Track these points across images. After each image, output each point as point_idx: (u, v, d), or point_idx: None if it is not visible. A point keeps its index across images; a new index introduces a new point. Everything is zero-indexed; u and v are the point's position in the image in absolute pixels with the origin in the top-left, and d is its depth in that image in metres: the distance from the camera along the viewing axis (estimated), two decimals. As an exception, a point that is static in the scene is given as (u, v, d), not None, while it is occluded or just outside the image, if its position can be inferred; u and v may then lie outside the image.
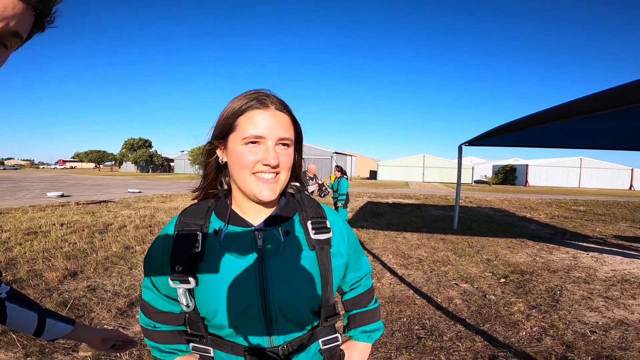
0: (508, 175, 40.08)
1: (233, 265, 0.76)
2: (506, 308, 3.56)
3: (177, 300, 0.81)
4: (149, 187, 21.90)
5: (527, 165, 38.07)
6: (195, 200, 0.88)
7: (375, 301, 1.03)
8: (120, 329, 2.90)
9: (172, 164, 69.14)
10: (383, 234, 7.67)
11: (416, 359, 2.57)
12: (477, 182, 42.24)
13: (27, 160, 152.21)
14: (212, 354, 0.82)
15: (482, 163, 52.41)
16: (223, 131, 0.78)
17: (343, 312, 1.02)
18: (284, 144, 0.76)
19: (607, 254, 6.27)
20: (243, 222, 0.80)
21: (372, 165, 57.71)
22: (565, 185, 36.99)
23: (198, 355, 0.86)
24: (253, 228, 0.79)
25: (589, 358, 2.63)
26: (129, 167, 68.69)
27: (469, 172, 40.55)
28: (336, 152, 46.30)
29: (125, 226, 7.55)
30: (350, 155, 54.34)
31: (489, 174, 42.46)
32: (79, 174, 45.31)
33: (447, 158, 43.10)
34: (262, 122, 0.74)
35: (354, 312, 1.00)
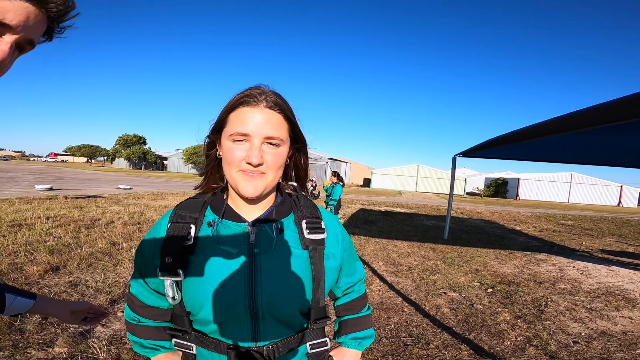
0: (500, 188, 40.53)
1: (224, 259, 0.74)
2: (492, 317, 3.56)
3: (165, 295, 0.79)
4: (141, 184, 21.64)
5: (518, 179, 38.56)
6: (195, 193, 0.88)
7: (368, 308, 1.01)
8: (100, 326, 2.84)
9: (165, 162, 68.55)
10: (374, 241, 7.66)
11: (402, 366, 2.54)
12: (469, 193, 42.61)
13: (18, 151, 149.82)
14: (194, 352, 0.79)
15: (475, 175, 52.96)
16: (217, 126, 0.78)
17: (334, 317, 1.00)
18: (272, 144, 0.74)
19: (592, 267, 6.37)
20: (237, 217, 0.79)
21: (366, 172, 57.92)
22: (555, 199, 37.51)
23: (181, 353, 0.83)
24: (247, 223, 0.78)
25: (573, 370, 2.63)
26: (121, 163, 67.92)
27: (462, 184, 40.92)
28: (331, 158, 46.39)
29: (113, 222, 7.42)
30: (345, 162, 54.48)
31: (481, 186, 42.90)
32: (70, 168, 44.63)
33: (441, 169, 43.47)
34: (249, 120, 0.72)
35: (345, 317, 0.97)
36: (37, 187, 14.62)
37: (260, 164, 0.72)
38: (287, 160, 0.80)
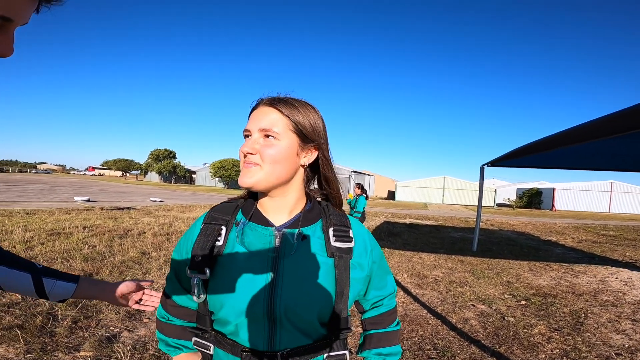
0: (533, 199, 38.58)
1: (247, 260, 0.76)
2: (525, 330, 3.36)
3: (191, 292, 0.80)
4: (170, 197, 22.47)
5: (553, 189, 36.58)
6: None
7: (397, 323, 0.96)
8: (126, 332, 2.92)
9: (194, 175, 70.96)
10: (399, 253, 7.48)
11: (426, 380, 2.43)
12: (499, 205, 40.86)
13: (59, 165, 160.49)
14: (212, 352, 0.80)
15: (506, 186, 50.83)
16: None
17: (361, 329, 0.97)
18: (266, 135, 0.76)
19: (637, 278, 5.93)
20: (265, 221, 0.80)
21: (390, 185, 57.11)
22: (594, 209, 35.16)
23: (200, 354, 0.84)
24: (273, 228, 0.79)
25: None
26: (153, 176, 71.03)
27: (491, 195, 39.33)
28: (355, 171, 46.21)
29: (144, 232, 7.72)
30: (369, 175, 54.06)
31: (513, 197, 41.02)
32: (106, 181, 47.23)
33: (468, 180, 42.11)
34: (251, 119, 0.79)
35: (371, 331, 0.93)
36: (75, 198, 15.54)
37: (251, 153, 0.75)
38: (303, 160, 0.81)
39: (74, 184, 31.80)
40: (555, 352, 2.90)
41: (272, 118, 0.76)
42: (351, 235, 0.81)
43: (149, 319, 3.21)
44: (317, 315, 0.75)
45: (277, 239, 0.77)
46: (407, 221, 15.64)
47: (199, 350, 0.82)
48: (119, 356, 2.51)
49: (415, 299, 4.32)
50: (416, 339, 3.12)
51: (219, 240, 0.77)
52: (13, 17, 0.40)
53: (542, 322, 3.59)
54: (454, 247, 8.81)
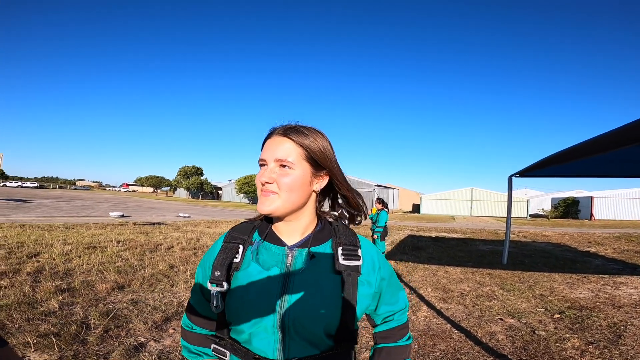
0: (570, 209, 36.45)
1: (261, 276, 0.82)
2: (557, 344, 3.18)
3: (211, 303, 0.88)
4: (198, 213, 23.17)
5: (591, 197, 34.43)
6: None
7: (409, 338, 0.98)
8: (153, 341, 3.04)
9: (220, 191, 72.86)
10: (423, 267, 7.29)
11: (447, 395, 2.34)
12: (533, 216, 38.87)
13: (96, 182, 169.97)
14: (228, 358, 0.86)
15: (539, 196, 48.36)
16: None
17: (372, 342, 1.00)
18: (282, 165, 0.82)
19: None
20: (278, 241, 0.87)
21: (415, 198, 55.93)
22: (637, 218, 32.65)
23: None
24: (286, 247, 0.86)
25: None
26: (182, 193, 73.59)
27: (524, 206, 37.58)
28: (378, 185, 45.73)
29: (173, 247, 8.01)
30: (393, 188, 53.28)
31: (547, 207, 38.94)
32: (139, 197, 49.44)
33: (497, 191, 40.50)
34: (266, 148, 0.85)
35: (381, 345, 0.95)
36: (111, 214, 16.39)
37: (268, 182, 0.81)
38: (315, 186, 0.88)
39: (109, 200, 33.56)
40: None
41: (286, 148, 0.83)
42: (359, 254, 0.86)
43: (174, 329, 3.32)
44: (324, 328, 0.79)
45: (289, 258, 0.84)
46: (433, 234, 15.22)
47: (217, 356, 0.88)
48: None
49: (439, 313, 4.19)
50: (438, 353, 3.02)
51: (236, 257, 0.85)
52: None
53: (576, 335, 3.39)
54: (482, 260, 8.47)
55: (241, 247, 0.86)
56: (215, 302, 0.81)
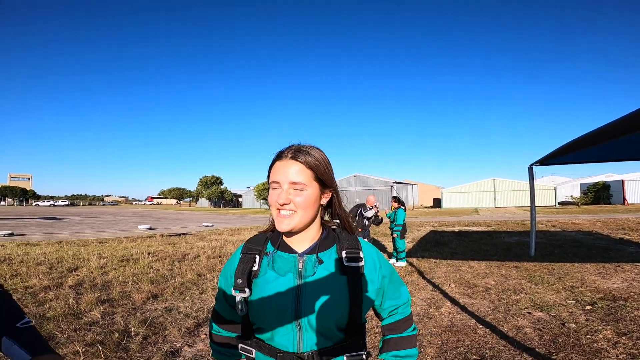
0: (600, 194, 34.88)
1: (278, 282, 0.94)
2: (589, 336, 3.12)
3: (235, 308, 1.01)
4: (220, 221, 23.73)
5: (622, 181, 32.83)
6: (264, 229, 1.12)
7: (413, 329, 1.09)
8: (186, 346, 3.22)
9: (240, 199, 74.11)
10: (446, 263, 7.24)
11: (474, 389, 2.38)
12: (562, 203, 37.42)
13: (122, 197, 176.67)
14: (253, 355, 0.99)
15: (567, 182, 46.48)
16: (268, 179, 1.02)
17: (380, 335, 1.11)
18: (296, 187, 0.93)
19: None
20: (289, 249, 0.99)
21: (435, 192, 54.92)
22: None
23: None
24: (296, 254, 0.98)
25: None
26: (204, 202, 75.36)
27: (551, 194, 36.25)
28: (396, 182, 45.25)
29: (199, 256, 8.29)
30: (411, 184, 52.56)
31: (576, 194, 37.39)
32: (164, 209, 51.04)
33: (521, 180, 39.22)
34: (279, 171, 0.94)
35: (389, 336, 1.07)
36: (139, 227, 17.08)
37: (286, 204, 0.92)
38: (322, 201, 1.00)
39: (136, 214, 34.85)
40: (621, 357, 2.67)
41: (298, 171, 0.93)
42: (361, 255, 0.97)
43: (205, 334, 3.50)
44: (335, 323, 0.92)
45: (300, 263, 0.96)
46: (456, 229, 14.97)
47: (244, 354, 1.01)
48: (181, 367, 2.78)
49: (463, 308, 4.19)
50: (462, 348, 3.04)
51: (254, 266, 0.96)
52: None
53: (609, 327, 3.31)
54: (508, 253, 8.30)
55: (257, 257, 0.98)
56: (240, 307, 0.95)
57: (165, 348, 3.16)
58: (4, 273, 5.98)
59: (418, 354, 1.13)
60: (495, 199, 39.18)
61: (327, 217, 1.08)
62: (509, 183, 39.00)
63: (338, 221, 1.07)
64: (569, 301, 4.28)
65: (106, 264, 7.08)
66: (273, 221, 1.05)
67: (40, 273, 6.04)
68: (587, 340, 3.06)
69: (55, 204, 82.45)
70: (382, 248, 9.80)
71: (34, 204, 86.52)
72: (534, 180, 8.56)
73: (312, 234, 1.00)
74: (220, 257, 8.22)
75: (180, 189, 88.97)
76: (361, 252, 0.98)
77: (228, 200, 72.37)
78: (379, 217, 7.82)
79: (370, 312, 1.03)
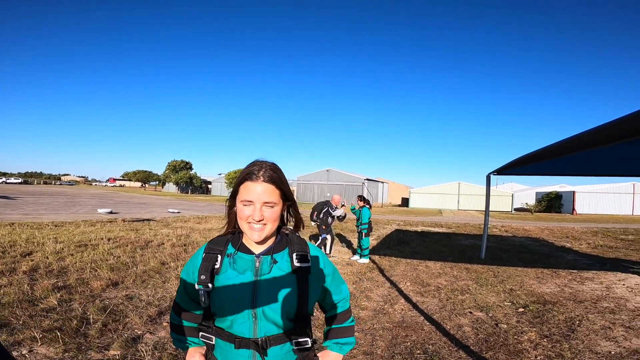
0: (553, 203, 37.62)
1: (238, 278, 1.11)
2: (515, 337, 3.51)
3: (199, 301, 1.16)
4: (187, 208, 23.20)
5: (573, 192, 35.59)
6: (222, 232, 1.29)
7: (352, 320, 1.32)
8: (148, 334, 3.29)
9: (209, 186, 72.47)
10: (405, 262, 7.66)
11: (412, 379, 2.67)
12: (517, 209, 39.96)
13: (81, 176, 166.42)
14: (213, 342, 1.16)
15: (525, 190, 49.62)
16: (234, 192, 1.17)
17: (325, 326, 1.31)
18: (268, 206, 1.09)
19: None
20: (248, 251, 1.16)
21: (404, 192, 56.69)
22: (617, 212, 33.97)
23: (205, 347, 1.21)
24: (254, 255, 1.15)
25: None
26: (171, 187, 72.93)
27: (509, 200, 38.56)
28: (368, 179, 46.20)
29: (163, 244, 8.19)
30: (382, 182, 53.87)
31: (532, 202, 40.07)
32: (127, 192, 48.84)
33: (484, 185, 41.33)
34: (252, 191, 1.09)
35: (332, 327, 1.29)
36: (99, 210, 16.36)
37: (261, 220, 1.09)
38: (283, 213, 1.18)
39: (96, 196, 33.19)
40: (539, 358, 3.04)
41: (270, 192, 1.09)
42: (309, 257, 1.16)
43: (168, 322, 3.57)
44: (285, 314, 1.10)
45: (257, 263, 1.12)
46: (419, 229, 15.68)
47: (204, 342, 1.18)
48: (142, 355, 2.87)
49: (415, 306, 4.54)
50: (408, 343, 3.35)
51: (217, 264, 1.12)
52: None
53: (534, 329, 3.73)
54: (463, 255, 8.89)
55: (219, 256, 1.13)
56: (203, 299, 1.11)
57: (125, 335, 3.21)
58: (-52, 253, 5.64)
59: (355, 342, 1.35)
60: (459, 202, 41.10)
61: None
62: (472, 187, 41.02)
63: (290, 227, 1.25)
64: (505, 303, 4.75)
65: (62, 249, 6.84)
66: (227, 228, 1.23)
67: (-10, 255, 5.75)
68: (514, 340, 3.44)
69: (8, 181, 76.31)
70: (349, 244, 10.14)
71: (-19, 179, 79.63)
72: (490, 187, 9.21)
73: (270, 238, 1.17)
74: (185, 245, 8.16)
75: (146, 171, 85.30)
76: (309, 255, 1.16)
77: (197, 187, 70.51)
78: (344, 214, 8.18)
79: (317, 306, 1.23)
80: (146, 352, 2.90)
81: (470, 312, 4.31)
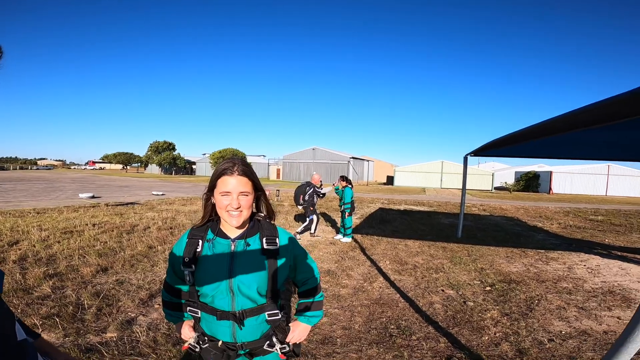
0: (531, 182, 39.05)
1: (216, 260, 1.34)
2: (480, 314, 3.86)
3: (185, 280, 1.37)
4: (172, 190, 23.03)
5: (550, 172, 36.99)
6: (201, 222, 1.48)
7: (321, 296, 1.55)
8: (141, 316, 3.50)
9: (194, 166, 71.43)
10: (386, 240, 8.02)
11: (383, 353, 2.98)
12: (497, 188, 41.33)
13: (59, 160, 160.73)
14: (199, 315, 1.39)
15: (505, 169, 51.19)
16: (211, 186, 1.38)
17: (297, 300, 1.55)
18: (243, 195, 1.32)
19: (604, 266, 6.36)
20: (225, 236, 1.38)
21: (389, 170, 57.51)
22: (591, 192, 35.68)
23: (193, 320, 1.43)
24: (230, 239, 1.37)
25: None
26: (153, 169, 71.56)
27: (489, 179, 39.78)
28: (353, 157, 46.53)
29: (149, 227, 8.27)
30: (368, 160, 54.35)
31: (511, 181, 41.49)
32: (108, 175, 47.75)
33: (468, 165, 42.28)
34: (229, 183, 1.31)
35: (302, 301, 1.54)
36: (80, 195, 16.10)
37: (238, 207, 1.31)
38: (255, 201, 1.39)
39: (76, 180, 32.38)
40: (497, 335, 3.36)
41: (244, 183, 1.32)
42: (277, 241, 1.38)
43: (159, 305, 3.78)
44: (257, 290, 1.33)
45: (232, 246, 1.36)
46: (402, 207, 16.17)
47: (192, 315, 1.40)
48: (138, 335, 3.08)
49: (392, 284, 4.89)
50: (384, 319, 3.68)
51: (198, 248, 1.33)
52: None
53: (497, 307, 4.07)
54: (441, 234, 9.33)
55: (200, 241, 1.34)
56: (188, 279, 1.34)
57: (120, 318, 3.41)
58: None
59: (323, 315, 1.60)
60: (442, 180, 42.14)
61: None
62: (455, 166, 42.00)
63: (262, 214, 1.46)
64: (475, 282, 5.14)
65: (48, 236, 6.87)
66: (203, 219, 1.42)
67: (-26, 243, 5.75)
68: (477, 317, 3.77)
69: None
70: (333, 223, 10.47)
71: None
72: (467, 168, 9.59)
73: (245, 225, 1.39)
74: (171, 228, 8.28)
75: (127, 153, 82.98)
76: (277, 238, 1.39)
77: (181, 167, 69.39)
78: (323, 191, 8.58)
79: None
80: (141, 332, 3.12)
81: (442, 290, 4.69)
